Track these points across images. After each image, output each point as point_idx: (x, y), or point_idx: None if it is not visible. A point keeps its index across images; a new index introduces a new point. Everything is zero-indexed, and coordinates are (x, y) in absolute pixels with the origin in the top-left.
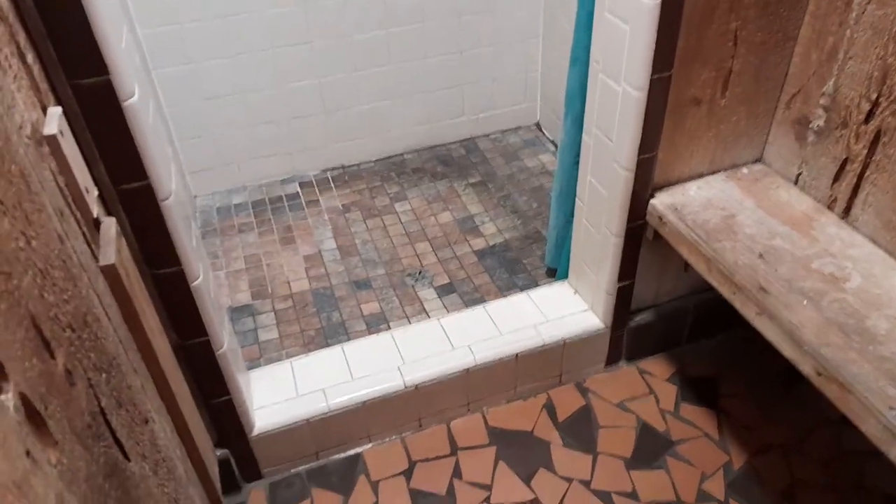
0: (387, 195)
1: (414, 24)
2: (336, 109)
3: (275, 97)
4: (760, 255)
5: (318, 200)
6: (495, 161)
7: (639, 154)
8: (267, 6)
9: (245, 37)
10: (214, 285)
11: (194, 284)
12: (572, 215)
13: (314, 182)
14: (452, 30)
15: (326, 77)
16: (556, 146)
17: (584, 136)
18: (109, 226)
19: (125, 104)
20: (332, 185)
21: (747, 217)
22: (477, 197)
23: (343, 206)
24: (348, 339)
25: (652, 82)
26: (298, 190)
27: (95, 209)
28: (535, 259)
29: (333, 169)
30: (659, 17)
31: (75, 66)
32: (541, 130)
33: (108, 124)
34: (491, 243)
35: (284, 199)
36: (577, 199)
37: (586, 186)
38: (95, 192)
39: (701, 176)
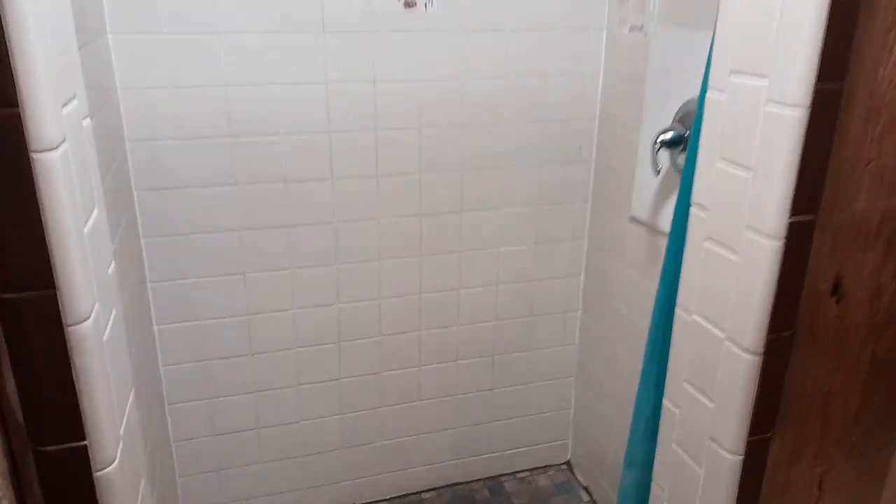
0: None
1: (447, 361)
2: (356, 444)
3: (292, 432)
4: None
5: None
6: None
7: None
8: (298, 343)
9: (270, 373)
10: None
11: None
12: None
13: None
14: (485, 368)
15: (351, 412)
16: (588, 494)
17: None
18: None
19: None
20: None
21: None
22: None
23: None
24: None
25: None
26: None
27: None
28: None
29: None
30: (740, 475)
31: None
32: (572, 472)
33: None
34: None
35: None
36: None
37: None
38: None
39: None
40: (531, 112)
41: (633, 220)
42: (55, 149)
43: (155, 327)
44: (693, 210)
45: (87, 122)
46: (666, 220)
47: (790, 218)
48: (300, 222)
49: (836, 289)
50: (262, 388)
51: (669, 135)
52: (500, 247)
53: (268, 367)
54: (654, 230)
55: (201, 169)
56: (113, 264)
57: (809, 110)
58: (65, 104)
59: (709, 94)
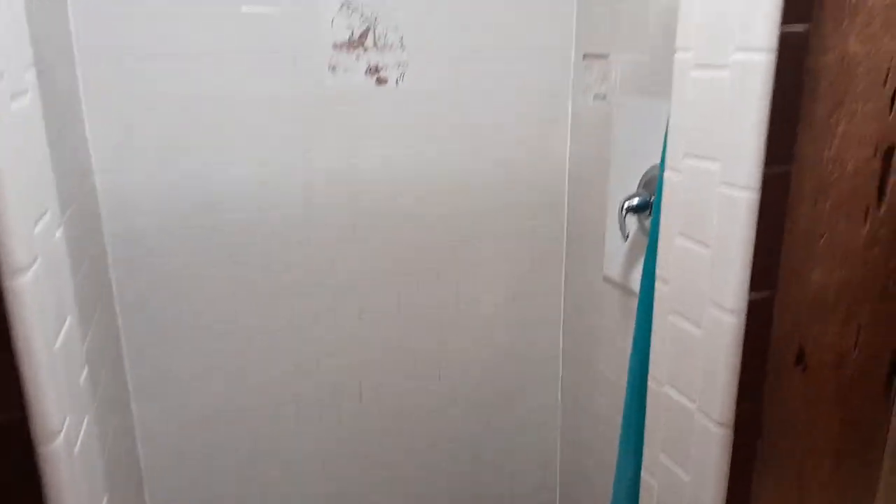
0: None
1: (430, 432)
2: None
3: None
4: None
5: None
6: None
7: None
8: (280, 410)
9: (255, 457)
10: None
11: None
12: None
13: None
14: (469, 429)
15: (334, 484)
16: None
17: None
18: None
19: None
20: None
21: None
22: None
23: None
24: None
25: None
26: None
27: None
28: None
29: None
30: None
31: None
32: None
33: None
34: None
35: None
36: None
37: None
38: None
39: None
40: (504, 175)
41: (607, 280)
42: (26, 271)
43: (134, 413)
44: (657, 283)
45: (59, 232)
46: (637, 281)
47: (749, 293)
48: (281, 288)
49: (799, 358)
50: (248, 479)
51: (635, 201)
52: (479, 303)
53: (252, 449)
54: (626, 290)
55: (180, 247)
56: (86, 371)
57: (760, 192)
58: (37, 221)
59: (666, 174)
